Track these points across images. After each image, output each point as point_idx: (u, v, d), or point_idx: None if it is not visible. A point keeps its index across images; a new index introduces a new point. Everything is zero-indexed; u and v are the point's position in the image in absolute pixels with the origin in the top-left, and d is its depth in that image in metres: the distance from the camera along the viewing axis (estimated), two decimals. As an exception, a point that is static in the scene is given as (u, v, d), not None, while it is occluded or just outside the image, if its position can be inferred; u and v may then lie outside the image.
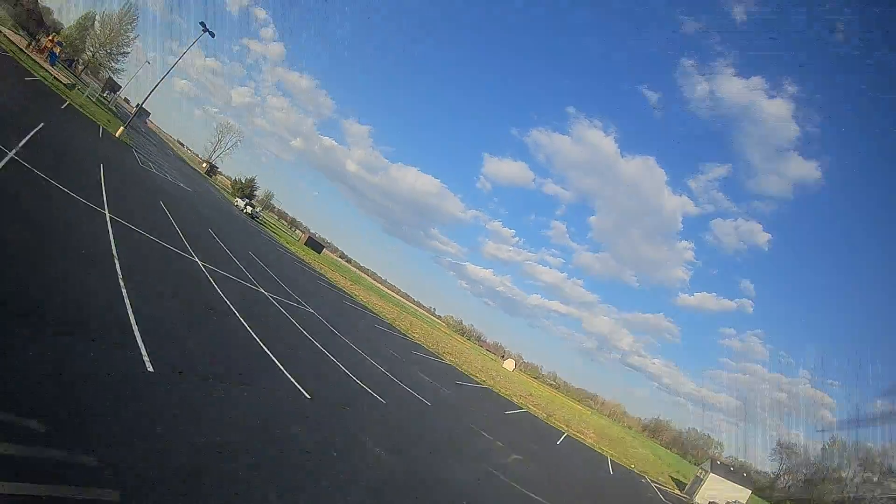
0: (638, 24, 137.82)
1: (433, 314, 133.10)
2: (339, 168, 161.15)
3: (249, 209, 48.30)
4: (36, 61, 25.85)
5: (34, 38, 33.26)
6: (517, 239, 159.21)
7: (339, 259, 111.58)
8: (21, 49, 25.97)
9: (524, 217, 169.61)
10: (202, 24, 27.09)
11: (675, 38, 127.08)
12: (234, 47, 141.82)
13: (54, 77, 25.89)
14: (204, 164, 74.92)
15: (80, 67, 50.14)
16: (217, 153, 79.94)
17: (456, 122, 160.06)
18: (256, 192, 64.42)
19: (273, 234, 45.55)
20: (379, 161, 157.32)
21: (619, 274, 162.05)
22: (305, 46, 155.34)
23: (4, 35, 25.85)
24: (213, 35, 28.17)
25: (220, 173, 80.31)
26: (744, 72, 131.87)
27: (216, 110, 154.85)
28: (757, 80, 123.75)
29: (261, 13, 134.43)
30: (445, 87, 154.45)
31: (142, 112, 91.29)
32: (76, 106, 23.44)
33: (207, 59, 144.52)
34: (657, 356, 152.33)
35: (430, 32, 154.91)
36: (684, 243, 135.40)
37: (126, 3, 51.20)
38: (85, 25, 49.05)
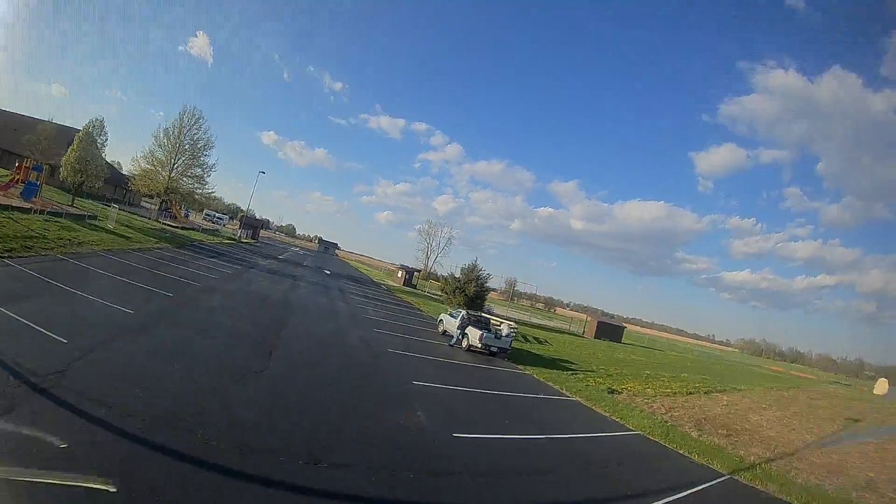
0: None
1: (714, 341, 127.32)
2: (565, 232, 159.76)
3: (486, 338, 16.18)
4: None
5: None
6: (759, 225, 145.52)
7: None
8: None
9: (756, 199, 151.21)
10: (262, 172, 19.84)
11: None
12: (415, 165, 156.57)
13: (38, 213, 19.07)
14: (400, 274, 57.13)
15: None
16: (432, 259, 68.37)
17: (651, 137, 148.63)
18: (489, 286, 33.23)
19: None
20: (599, 208, 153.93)
21: (870, 212, 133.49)
22: (476, 140, 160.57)
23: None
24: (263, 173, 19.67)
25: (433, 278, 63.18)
26: None
27: (426, 226, 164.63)
28: None
29: (420, 126, 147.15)
30: (635, 113, 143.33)
31: (329, 245, 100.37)
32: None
33: (397, 185, 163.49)
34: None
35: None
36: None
37: (186, 109, 38.17)
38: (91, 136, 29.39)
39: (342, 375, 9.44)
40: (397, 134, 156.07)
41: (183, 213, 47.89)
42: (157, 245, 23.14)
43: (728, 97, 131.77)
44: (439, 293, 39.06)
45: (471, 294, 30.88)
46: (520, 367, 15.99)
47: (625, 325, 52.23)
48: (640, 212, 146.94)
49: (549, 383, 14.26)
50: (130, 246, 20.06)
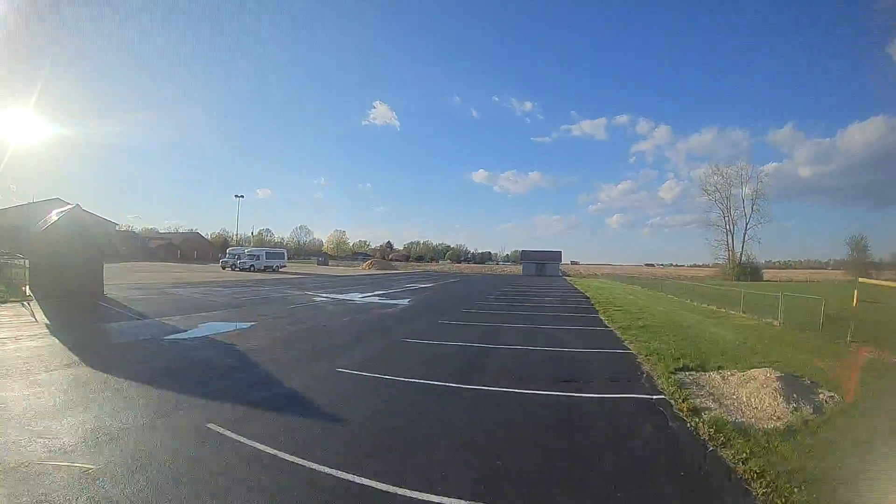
0: None
1: None
2: (795, 183, 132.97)
3: None
4: None
5: None
6: None
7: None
8: None
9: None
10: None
11: None
12: (630, 160, 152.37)
13: None
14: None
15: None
16: (739, 240, 40.55)
17: (848, 32, 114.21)
18: None
19: None
20: (820, 146, 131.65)
21: None
22: (680, 114, 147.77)
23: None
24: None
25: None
26: None
27: (658, 218, 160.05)
28: None
29: (622, 118, 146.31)
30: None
31: (541, 262, 57.58)
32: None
33: (618, 185, 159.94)
34: None
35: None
36: None
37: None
38: None
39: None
40: (602, 134, 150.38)
41: None
42: None
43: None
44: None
45: None
46: None
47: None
48: (863, 135, 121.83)
49: None
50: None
